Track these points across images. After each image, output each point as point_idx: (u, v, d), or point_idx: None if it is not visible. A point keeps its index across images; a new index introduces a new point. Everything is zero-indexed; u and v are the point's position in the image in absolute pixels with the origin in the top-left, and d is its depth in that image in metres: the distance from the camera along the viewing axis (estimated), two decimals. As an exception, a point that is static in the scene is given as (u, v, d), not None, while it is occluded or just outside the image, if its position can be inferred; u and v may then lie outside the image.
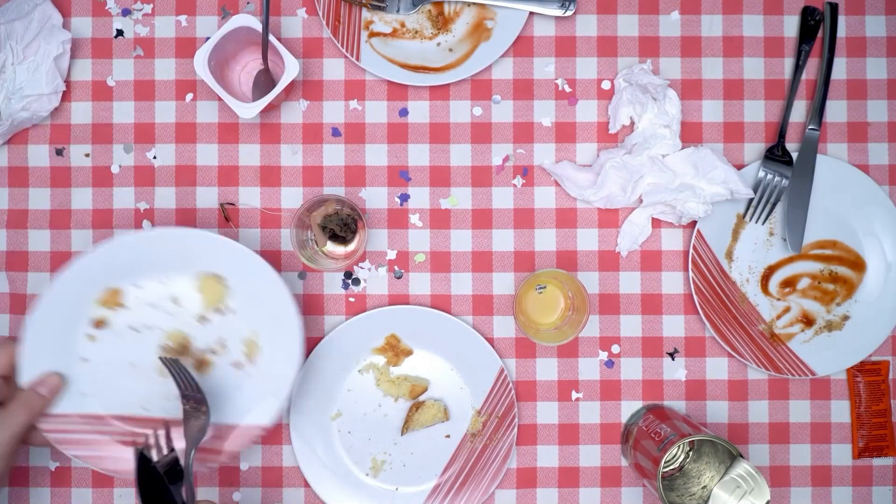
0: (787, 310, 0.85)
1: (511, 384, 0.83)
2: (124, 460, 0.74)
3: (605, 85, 0.86)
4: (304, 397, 0.83)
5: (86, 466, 0.81)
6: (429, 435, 0.84)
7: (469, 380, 0.84)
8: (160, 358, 0.76)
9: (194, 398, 0.73)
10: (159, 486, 0.68)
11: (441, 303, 0.85)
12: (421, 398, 0.84)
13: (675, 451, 0.81)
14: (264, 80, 0.81)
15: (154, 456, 0.70)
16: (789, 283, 0.85)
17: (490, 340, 0.84)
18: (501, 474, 0.82)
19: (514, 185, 0.85)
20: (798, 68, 0.85)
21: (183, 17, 0.85)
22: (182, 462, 0.70)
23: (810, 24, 0.85)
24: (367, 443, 0.84)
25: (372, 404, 0.84)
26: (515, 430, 0.82)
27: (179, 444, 0.72)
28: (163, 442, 0.72)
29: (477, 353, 0.83)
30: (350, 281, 0.85)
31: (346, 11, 0.84)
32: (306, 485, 0.84)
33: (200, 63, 0.77)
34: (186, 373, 0.74)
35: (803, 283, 0.85)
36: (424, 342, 0.84)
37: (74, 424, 0.75)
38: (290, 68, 0.78)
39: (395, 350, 0.83)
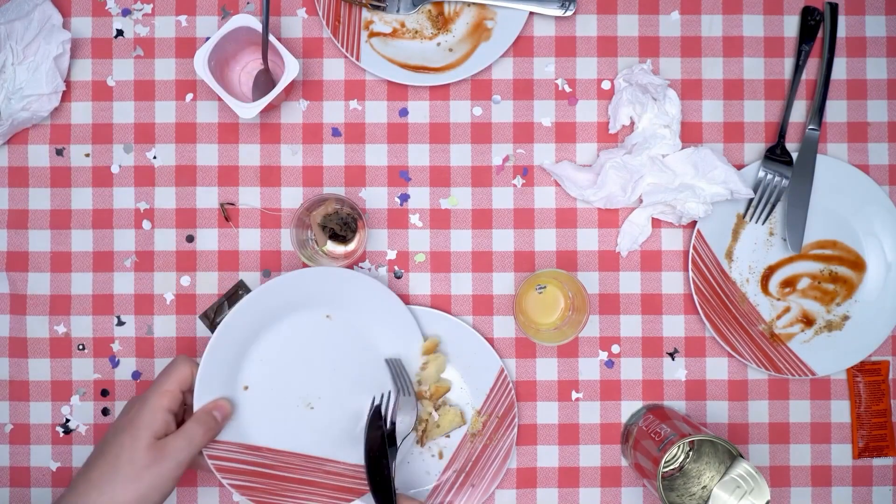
0: (787, 310, 0.85)
1: (511, 384, 0.83)
2: (273, 493, 0.76)
3: (605, 85, 0.86)
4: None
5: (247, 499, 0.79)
6: None
7: (469, 380, 0.84)
8: (386, 360, 0.80)
9: (406, 395, 0.78)
10: (381, 442, 0.75)
11: (441, 303, 0.85)
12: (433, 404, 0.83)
13: (675, 451, 0.81)
14: (264, 80, 0.81)
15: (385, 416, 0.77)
16: (789, 283, 0.85)
17: (490, 340, 0.84)
18: (501, 474, 0.82)
19: (514, 185, 0.85)
20: (798, 68, 0.85)
21: (183, 17, 0.85)
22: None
23: (810, 24, 0.85)
24: None
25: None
26: (515, 430, 0.82)
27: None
28: (389, 411, 0.78)
29: (477, 353, 0.83)
30: (350, 281, 0.85)
31: (346, 11, 0.84)
32: (306, 485, 0.84)
33: (200, 63, 0.77)
34: (405, 374, 0.79)
35: (803, 283, 0.85)
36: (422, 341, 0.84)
37: (234, 453, 0.76)
38: (290, 68, 0.78)
39: None
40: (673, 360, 0.85)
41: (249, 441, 0.77)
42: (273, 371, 0.78)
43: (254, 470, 0.76)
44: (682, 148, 0.83)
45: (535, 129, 0.85)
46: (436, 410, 0.83)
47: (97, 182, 0.85)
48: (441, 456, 0.83)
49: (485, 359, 0.83)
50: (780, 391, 0.85)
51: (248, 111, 0.78)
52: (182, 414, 0.74)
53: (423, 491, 0.83)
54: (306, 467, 0.78)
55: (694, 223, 0.84)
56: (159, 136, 0.85)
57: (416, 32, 0.85)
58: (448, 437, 0.83)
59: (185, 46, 0.85)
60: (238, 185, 0.85)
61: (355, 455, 0.79)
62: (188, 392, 0.73)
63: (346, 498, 0.78)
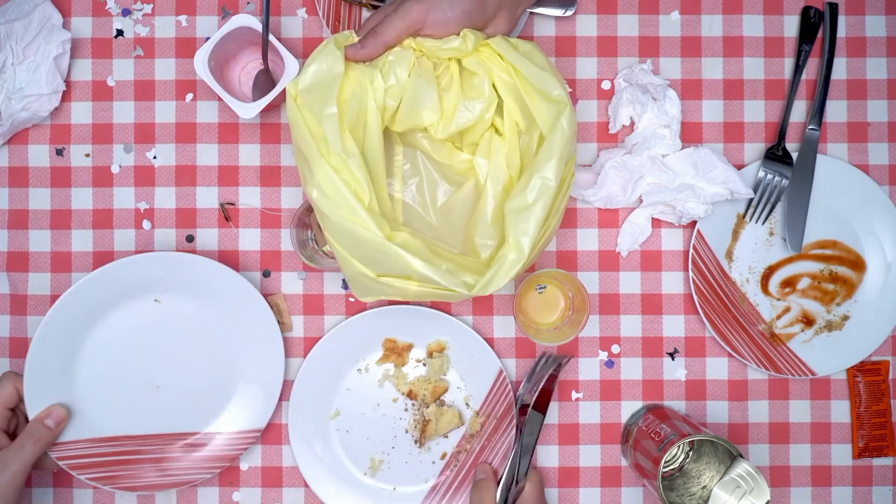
0: (787, 310, 0.85)
1: (510, 385, 0.83)
2: (139, 477, 0.80)
3: (605, 85, 0.86)
4: (303, 396, 0.83)
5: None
6: None
7: (468, 380, 0.84)
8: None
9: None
10: None
11: (441, 303, 0.85)
12: (434, 403, 0.83)
13: (675, 451, 0.81)
14: (264, 80, 0.81)
15: None
16: (789, 283, 0.85)
17: (490, 340, 0.84)
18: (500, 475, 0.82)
19: (514, 185, 0.85)
20: (798, 68, 0.85)
21: (183, 17, 0.85)
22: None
23: (810, 23, 0.85)
24: (365, 442, 0.84)
25: (370, 403, 0.84)
26: (513, 431, 0.82)
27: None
28: None
29: (476, 354, 0.83)
30: (350, 281, 0.85)
31: (346, 11, 0.84)
32: (306, 485, 0.84)
33: (200, 63, 0.77)
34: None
35: (803, 283, 0.85)
36: (423, 341, 0.84)
37: (86, 449, 0.79)
38: (290, 68, 0.78)
39: (396, 351, 0.83)
40: (673, 360, 0.85)
41: (102, 434, 0.80)
42: (111, 362, 0.81)
43: (116, 460, 0.79)
44: (682, 148, 0.83)
45: (535, 129, 0.85)
46: (435, 408, 0.83)
47: (97, 182, 0.85)
48: (442, 456, 0.84)
49: (484, 360, 0.83)
50: (780, 391, 0.85)
51: (248, 111, 0.78)
52: (15, 426, 0.78)
53: (422, 490, 0.83)
54: (170, 445, 0.81)
55: (694, 223, 0.84)
56: (159, 136, 0.85)
57: (416, 32, 0.86)
58: (446, 437, 0.84)
59: (185, 46, 0.85)
60: (238, 185, 0.85)
61: (217, 423, 0.82)
62: (19, 405, 0.77)
63: (220, 465, 0.81)
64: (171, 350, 0.82)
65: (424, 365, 0.84)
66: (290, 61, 0.78)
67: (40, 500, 0.83)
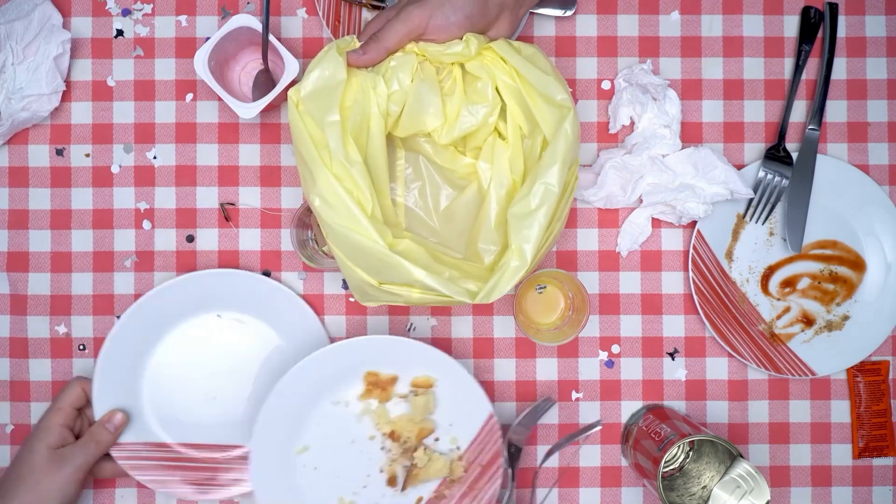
0: (787, 310, 0.85)
1: (499, 432, 0.79)
2: (187, 482, 0.81)
3: (605, 85, 0.86)
4: (268, 427, 0.78)
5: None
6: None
7: (455, 422, 0.80)
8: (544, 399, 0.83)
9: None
10: None
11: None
12: (421, 447, 0.79)
13: (675, 451, 0.81)
14: (264, 80, 0.81)
15: None
16: (789, 283, 0.85)
17: (490, 340, 0.84)
18: None
19: (515, 185, 0.85)
20: (798, 68, 0.85)
21: (183, 17, 0.85)
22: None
23: (810, 23, 0.85)
24: (334, 480, 0.79)
25: (345, 439, 0.79)
26: (498, 481, 0.78)
27: None
28: None
29: (464, 393, 0.79)
30: (350, 281, 0.85)
31: (346, 11, 0.84)
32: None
33: (200, 63, 0.77)
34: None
35: (803, 283, 0.85)
36: (408, 374, 0.80)
37: (143, 452, 0.81)
38: (290, 68, 0.78)
39: (380, 385, 0.79)
40: (673, 360, 0.85)
41: (158, 439, 0.82)
42: (174, 371, 0.83)
43: (167, 465, 0.81)
44: (682, 148, 0.83)
45: (535, 129, 0.85)
46: (423, 453, 0.79)
47: (97, 182, 0.85)
48: (418, 501, 0.80)
49: (472, 400, 0.78)
50: (780, 391, 0.85)
51: (248, 111, 0.78)
52: (80, 427, 0.80)
53: None
54: (219, 456, 0.82)
55: (694, 223, 0.84)
56: (159, 136, 0.85)
57: (416, 32, 0.85)
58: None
59: (185, 46, 0.85)
60: (238, 185, 0.85)
61: None
62: (86, 407, 0.81)
63: None
64: (228, 364, 0.83)
65: (408, 401, 0.79)
66: (290, 61, 0.78)
67: (40, 500, 0.83)
